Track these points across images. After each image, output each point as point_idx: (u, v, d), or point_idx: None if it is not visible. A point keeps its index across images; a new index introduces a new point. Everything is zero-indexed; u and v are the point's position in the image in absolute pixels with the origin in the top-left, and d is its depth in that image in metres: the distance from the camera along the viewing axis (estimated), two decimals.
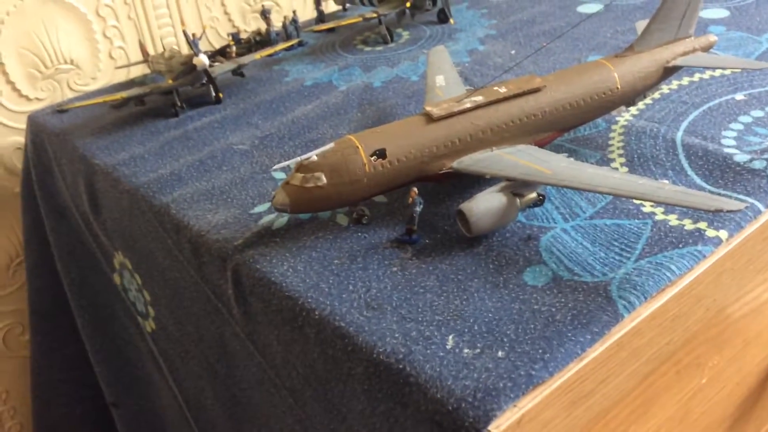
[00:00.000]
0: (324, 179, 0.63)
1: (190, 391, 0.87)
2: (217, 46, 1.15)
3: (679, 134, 0.76)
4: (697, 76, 0.88)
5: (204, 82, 0.95)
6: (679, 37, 0.75)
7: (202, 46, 1.10)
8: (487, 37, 1.08)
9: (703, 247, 0.60)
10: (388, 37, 1.11)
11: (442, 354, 0.52)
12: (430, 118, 0.67)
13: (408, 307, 0.57)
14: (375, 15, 1.09)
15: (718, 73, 0.88)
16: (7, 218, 1.15)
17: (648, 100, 0.84)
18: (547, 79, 0.71)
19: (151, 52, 1.14)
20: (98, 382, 1.07)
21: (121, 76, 1.16)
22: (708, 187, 0.68)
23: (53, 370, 1.13)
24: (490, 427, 0.47)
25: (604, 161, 0.74)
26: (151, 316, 0.87)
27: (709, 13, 1.06)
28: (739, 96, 0.83)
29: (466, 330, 0.54)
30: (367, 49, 1.10)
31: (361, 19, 1.09)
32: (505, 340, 0.53)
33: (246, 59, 0.99)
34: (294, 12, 1.17)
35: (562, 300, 0.56)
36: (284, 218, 0.70)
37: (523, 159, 0.65)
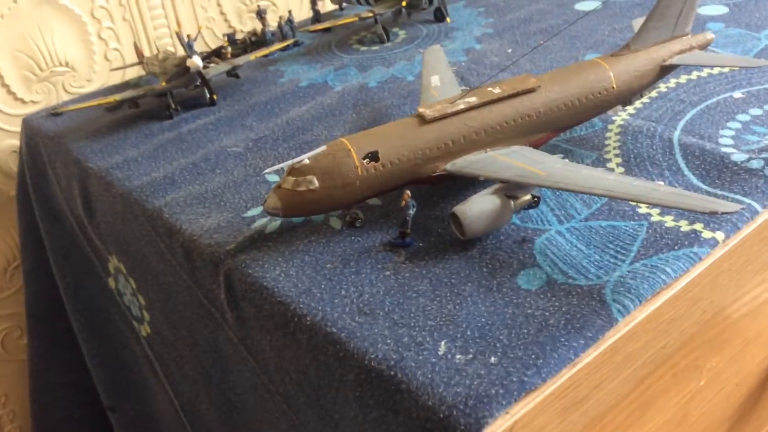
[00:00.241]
0: (316, 183, 0.63)
1: (186, 396, 0.86)
2: (214, 46, 1.15)
3: (677, 133, 0.75)
4: (695, 74, 0.87)
5: (198, 83, 0.94)
6: (676, 35, 0.75)
7: (198, 46, 1.10)
8: (484, 35, 1.07)
9: (699, 249, 0.59)
10: (385, 36, 1.10)
11: (434, 360, 0.52)
12: (423, 120, 0.66)
13: (400, 312, 0.57)
14: (371, 14, 1.08)
15: (716, 70, 0.87)
16: (3, 222, 1.14)
17: (645, 99, 0.83)
18: (542, 79, 0.70)
19: (147, 53, 1.14)
20: (96, 386, 1.07)
21: (117, 78, 1.15)
22: (705, 187, 0.67)
23: (51, 374, 1.13)
24: None
25: (600, 161, 0.73)
26: (146, 321, 0.87)
27: (707, 9, 1.05)
28: (738, 94, 0.82)
29: (459, 335, 0.54)
30: (363, 48, 1.09)
31: (357, 18, 1.09)
32: (498, 345, 0.52)
33: (240, 60, 0.99)
34: (289, 12, 1.16)
35: (556, 304, 0.55)
36: (277, 222, 0.69)
37: (517, 160, 0.64)
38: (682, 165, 0.70)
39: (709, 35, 0.77)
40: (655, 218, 0.63)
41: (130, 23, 1.17)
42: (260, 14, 1.13)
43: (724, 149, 0.72)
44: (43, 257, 1.04)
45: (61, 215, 0.97)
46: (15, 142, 1.09)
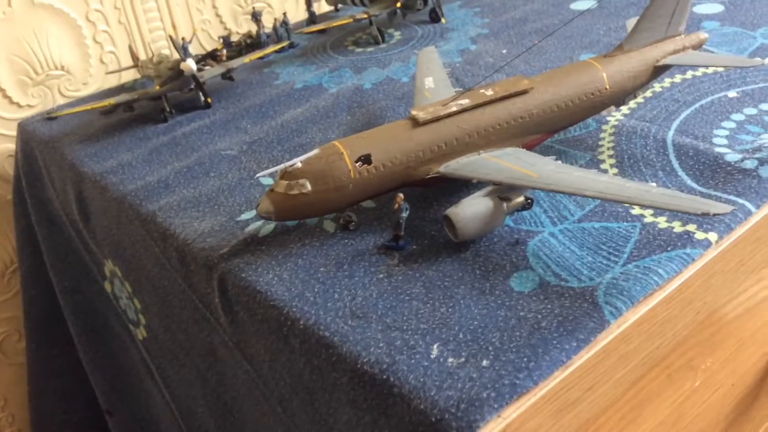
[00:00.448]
0: (308, 186, 0.63)
1: (182, 399, 0.86)
2: (210, 48, 1.15)
3: (670, 134, 0.75)
4: (689, 74, 0.87)
5: (192, 87, 0.94)
6: (669, 35, 0.74)
7: (194, 49, 1.10)
8: (479, 36, 1.07)
9: (692, 250, 0.59)
10: (380, 37, 1.10)
11: (426, 364, 0.52)
12: (416, 123, 0.66)
13: (393, 316, 0.57)
14: (366, 16, 1.08)
15: (711, 70, 0.87)
16: (1, 226, 1.15)
17: (640, 99, 0.83)
18: (535, 81, 0.70)
19: (142, 56, 1.14)
20: (93, 390, 1.07)
21: (113, 82, 1.16)
22: (698, 188, 0.67)
23: (49, 378, 1.13)
24: None
25: (594, 162, 0.73)
26: (142, 324, 0.87)
27: (703, 8, 1.05)
28: (732, 93, 0.82)
29: (451, 338, 0.54)
30: (358, 50, 1.09)
31: (351, 20, 1.09)
32: (490, 348, 0.52)
33: (235, 63, 0.99)
34: (284, 14, 1.16)
35: (549, 306, 0.55)
36: (271, 225, 0.69)
37: (510, 162, 0.64)
38: (676, 165, 0.70)
39: (703, 35, 0.76)
40: (648, 219, 0.63)
41: (126, 26, 1.17)
42: (255, 16, 1.13)
43: (717, 149, 0.71)
44: (39, 261, 1.04)
45: (56, 219, 0.97)
46: (11, 146, 1.09)
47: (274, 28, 1.14)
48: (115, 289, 0.90)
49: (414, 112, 0.67)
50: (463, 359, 0.52)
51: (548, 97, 0.69)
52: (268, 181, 0.77)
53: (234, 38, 1.14)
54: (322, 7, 1.28)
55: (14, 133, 1.05)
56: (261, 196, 0.70)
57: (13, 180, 1.06)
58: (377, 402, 0.52)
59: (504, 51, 1.01)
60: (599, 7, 1.10)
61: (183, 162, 0.84)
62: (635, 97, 0.78)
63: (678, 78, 0.86)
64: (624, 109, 0.81)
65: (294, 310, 0.59)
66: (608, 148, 0.75)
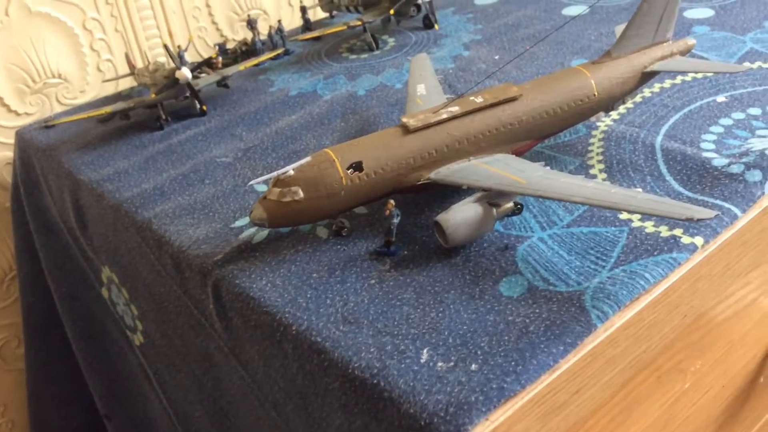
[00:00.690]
0: (301, 193, 0.64)
1: (179, 404, 0.87)
2: (206, 56, 1.16)
3: (659, 139, 0.76)
4: (679, 79, 0.88)
5: (188, 95, 0.95)
6: (657, 41, 0.75)
7: (190, 56, 1.11)
8: (472, 42, 1.08)
9: (678, 255, 0.60)
10: (374, 44, 1.11)
11: (416, 368, 0.53)
12: (406, 130, 0.67)
13: (384, 321, 0.58)
14: (360, 23, 1.09)
15: (700, 75, 0.88)
16: None
17: (629, 104, 0.84)
18: (524, 88, 0.71)
19: (139, 64, 1.15)
20: (92, 395, 1.08)
21: (110, 89, 1.17)
22: (686, 192, 0.68)
23: (48, 383, 1.14)
24: None
25: (584, 168, 0.74)
26: (139, 330, 0.88)
27: (693, 12, 1.06)
28: (721, 98, 0.83)
29: (441, 343, 0.55)
30: (353, 56, 1.10)
31: (345, 27, 1.10)
32: (479, 352, 0.53)
33: (230, 71, 1.00)
34: (279, 21, 1.17)
35: (537, 311, 0.56)
36: (264, 232, 0.70)
37: (499, 169, 0.65)
38: (664, 170, 0.71)
39: (690, 41, 0.77)
40: (636, 224, 0.64)
41: (122, 34, 1.18)
42: (251, 24, 1.14)
43: (705, 154, 0.72)
44: (38, 268, 1.05)
45: (54, 226, 0.98)
46: (9, 154, 1.10)
47: (269, 36, 1.15)
48: (113, 295, 0.91)
49: (404, 120, 0.68)
50: (452, 363, 0.53)
51: (537, 103, 0.70)
52: (263, 188, 0.78)
53: (230, 45, 1.15)
54: (317, 14, 1.30)
55: (12, 141, 1.06)
56: (255, 203, 0.71)
57: (11, 188, 1.07)
58: (368, 406, 0.53)
59: (496, 57, 1.02)
60: (591, 13, 1.11)
61: (178, 169, 0.85)
62: (624, 102, 0.79)
63: (667, 83, 0.87)
64: (613, 114, 0.82)
65: (287, 315, 0.60)
66: (597, 154, 0.76)
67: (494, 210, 0.63)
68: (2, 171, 1.12)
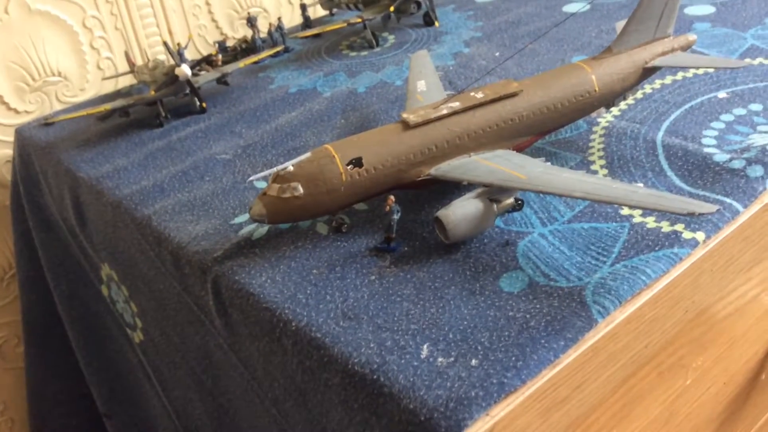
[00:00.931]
0: (300, 189, 0.63)
1: (179, 402, 0.87)
2: (206, 53, 1.15)
3: (660, 134, 0.76)
4: (680, 75, 0.88)
5: (187, 92, 0.95)
6: (658, 37, 0.75)
7: (190, 54, 1.11)
8: (473, 39, 1.08)
9: (680, 250, 0.59)
10: (374, 41, 1.11)
11: (416, 363, 0.52)
12: (406, 126, 0.67)
13: (384, 317, 0.57)
14: (360, 20, 1.09)
15: (701, 71, 0.88)
16: None
17: (630, 100, 0.83)
18: (524, 84, 0.70)
19: (139, 62, 1.15)
20: (92, 393, 1.08)
21: (110, 87, 1.16)
22: (687, 188, 0.67)
23: (48, 382, 1.14)
24: None
25: (584, 164, 0.74)
26: (139, 327, 0.88)
27: (695, 9, 1.06)
28: (722, 94, 0.83)
29: (441, 338, 0.54)
30: (353, 54, 1.10)
31: (345, 24, 1.09)
32: (479, 348, 0.53)
33: (229, 68, 1.00)
34: (279, 19, 1.17)
35: (537, 306, 0.56)
36: (264, 228, 0.70)
37: (500, 164, 0.65)
38: (665, 166, 0.71)
39: (691, 37, 0.77)
40: (637, 219, 0.64)
41: (122, 32, 1.18)
42: (251, 21, 1.14)
43: (706, 150, 0.72)
44: (37, 266, 1.05)
45: (54, 224, 0.98)
46: (9, 151, 1.10)
47: (269, 33, 1.15)
48: (112, 292, 0.91)
49: (405, 115, 0.67)
50: (452, 359, 0.52)
51: (537, 99, 0.70)
52: (263, 184, 0.78)
53: (230, 43, 1.14)
54: (317, 11, 1.29)
55: (12, 139, 1.06)
56: (254, 199, 0.71)
57: (10, 186, 1.07)
58: (368, 402, 0.53)
59: (497, 54, 1.02)
60: (591, 9, 1.11)
61: (178, 166, 0.85)
62: (625, 98, 0.78)
63: (668, 79, 0.87)
64: (615, 110, 0.82)
65: (286, 311, 0.60)
66: (598, 150, 0.75)
67: (495, 206, 0.63)
68: (2, 169, 1.12)
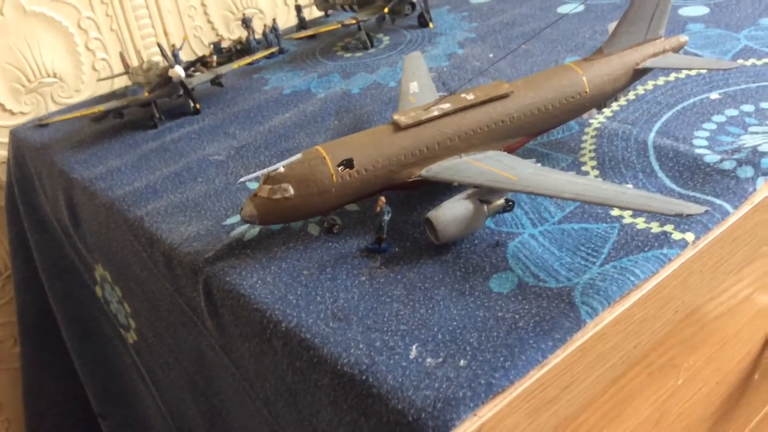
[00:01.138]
0: (291, 190, 0.63)
1: (173, 402, 0.87)
2: (201, 54, 1.16)
3: (651, 136, 0.76)
4: (672, 76, 0.88)
5: (181, 93, 0.95)
6: (649, 38, 0.75)
7: (185, 55, 1.11)
8: (467, 40, 1.08)
9: (669, 251, 0.60)
10: (368, 42, 1.11)
11: (404, 364, 0.53)
12: (397, 127, 0.67)
13: (374, 317, 0.58)
14: (354, 21, 1.09)
15: (694, 72, 0.88)
16: None
17: (623, 101, 0.84)
18: (515, 85, 0.71)
19: (134, 63, 1.15)
20: (87, 394, 1.08)
21: (105, 89, 1.17)
22: (677, 189, 0.67)
23: (43, 382, 1.14)
24: None
25: (576, 164, 0.74)
26: (133, 328, 0.88)
27: (688, 10, 1.06)
28: (714, 95, 0.83)
29: (430, 339, 0.55)
30: (347, 55, 1.10)
31: (340, 25, 1.10)
32: (468, 348, 0.53)
33: (223, 69, 1.00)
34: (274, 20, 1.17)
35: (526, 306, 0.56)
36: (256, 229, 0.70)
37: (491, 166, 0.65)
38: (656, 167, 0.71)
39: (683, 38, 0.77)
40: (627, 220, 0.64)
41: (117, 33, 1.18)
42: (246, 22, 1.14)
43: (697, 150, 0.72)
44: (32, 267, 1.05)
45: (48, 225, 0.98)
46: (4, 153, 1.10)
47: (264, 34, 1.15)
48: (106, 293, 0.91)
49: (396, 117, 0.67)
50: (441, 359, 0.53)
51: (528, 100, 0.70)
52: (255, 185, 0.78)
53: (225, 44, 1.15)
54: (312, 12, 1.30)
55: (7, 140, 1.06)
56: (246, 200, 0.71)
57: (5, 187, 1.07)
58: (357, 402, 0.53)
59: (491, 55, 1.02)
60: (585, 10, 1.11)
61: (171, 167, 0.85)
62: (617, 99, 0.79)
63: (661, 80, 0.87)
64: (607, 111, 0.82)
65: (277, 312, 0.60)
66: (590, 151, 0.75)
67: (485, 207, 0.63)
68: None
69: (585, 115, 0.77)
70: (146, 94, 0.94)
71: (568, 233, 0.64)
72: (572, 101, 0.72)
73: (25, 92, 1.11)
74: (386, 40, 1.14)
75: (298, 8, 1.22)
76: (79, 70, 1.16)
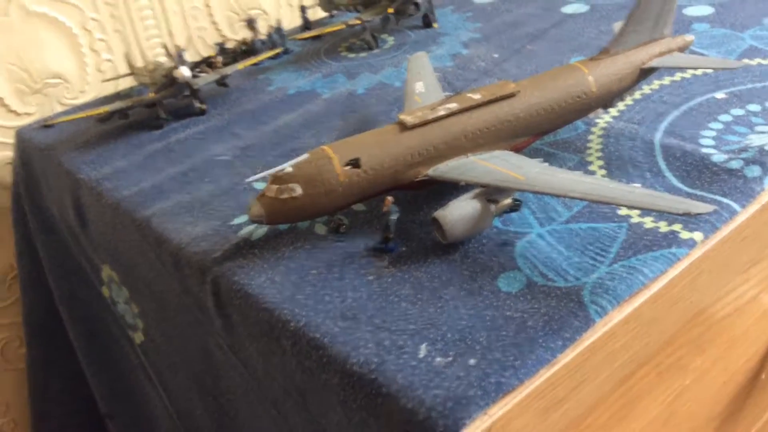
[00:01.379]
0: (299, 190, 0.63)
1: (180, 402, 0.87)
2: (206, 55, 1.16)
3: (658, 135, 0.76)
4: (678, 76, 0.88)
5: (187, 93, 0.95)
6: (655, 37, 0.75)
7: (189, 56, 1.11)
8: (471, 40, 1.08)
9: (677, 250, 0.60)
10: (373, 43, 1.11)
11: (414, 363, 0.53)
12: (404, 127, 0.67)
13: (382, 317, 0.58)
14: (358, 21, 1.09)
15: (699, 71, 0.88)
16: (1, 233, 1.16)
17: (629, 101, 0.84)
18: (521, 85, 0.71)
19: (139, 64, 1.15)
20: (93, 394, 1.08)
21: (110, 90, 1.17)
22: (685, 188, 0.67)
23: (49, 383, 1.14)
24: None
25: (582, 164, 0.74)
26: (140, 328, 0.88)
27: (693, 10, 1.06)
28: (720, 95, 0.83)
29: (439, 338, 0.55)
30: (352, 55, 1.10)
31: (344, 26, 1.10)
32: (477, 347, 0.53)
33: (229, 69, 1.00)
34: (278, 21, 1.17)
35: (535, 306, 0.56)
36: (263, 229, 0.70)
37: (498, 165, 0.65)
38: (663, 166, 0.71)
39: (689, 37, 0.77)
40: (635, 220, 0.64)
41: (122, 34, 1.18)
42: (250, 23, 1.14)
43: (704, 150, 0.72)
44: (38, 267, 1.05)
45: (54, 226, 0.98)
46: (9, 153, 1.10)
47: (269, 35, 1.15)
48: (113, 294, 0.91)
49: (402, 117, 0.68)
50: (450, 358, 0.52)
51: (535, 100, 0.70)
52: (262, 186, 0.78)
53: (229, 45, 1.15)
54: (317, 13, 1.30)
55: (12, 141, 1.06)
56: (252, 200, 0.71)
57: (11, 187, 1.07)
58: (366, 402, 0.53)
59: (496, 55, 1.02)
60: (590, 10, 1.11)
61: (177, 168, 0.85)
62: (623, 99, 0.79)
63: (667, 80, 0.87)
64: (613, 111, 0.82)
65: (285, 312, 0.60)
66: (596, 150, 0.75)
67: (492, 206, 0.63)
68: (3, 171, 1.12)
69: (591, 115, 0.77)
70: (152, 94, 0.94)
71: (576, 233, 0.64)
72: (579, 101, 0.72)
73: (30, 93, 1.11)
74: (391, 40, 1.14)
75: (303, 9, 1.22)
76: (83, 71, 1.16)
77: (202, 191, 0.79)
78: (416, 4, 1.12)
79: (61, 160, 0.92)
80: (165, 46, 0.93)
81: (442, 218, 0.61)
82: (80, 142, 0.95)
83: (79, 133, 0.98)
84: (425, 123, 0.67)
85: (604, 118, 0.81)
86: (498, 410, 0.49)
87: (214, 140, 0.90)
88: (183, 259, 0.70)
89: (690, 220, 0.62)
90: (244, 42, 1.13)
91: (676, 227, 0.62)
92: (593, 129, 0.79)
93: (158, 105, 0.95)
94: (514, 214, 0.67)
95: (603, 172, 0.72)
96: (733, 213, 0.64)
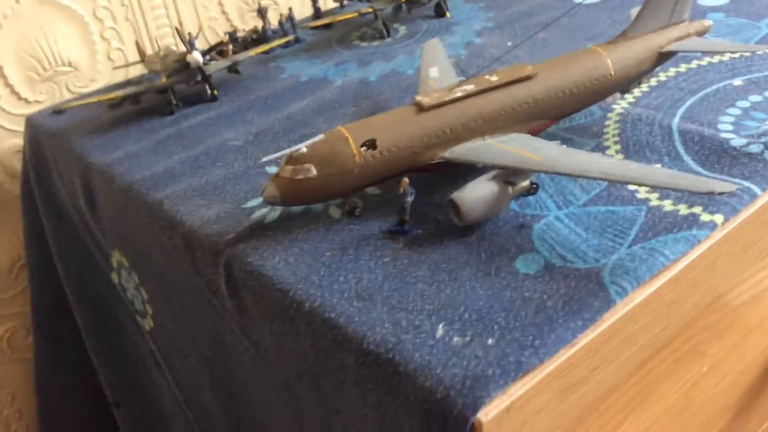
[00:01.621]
0: (314, 171, 0.63)
1: (190, 389, 0.86)
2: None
3: (676, 120, 0.75)
4: (694, 63, 0.87)
5: (199, 79, 0.95)
6: (673, 22, 0.74)
7: (199, 46, 1.10)
8: (484, 29, 1.08)
9: (698, 232, 0.59)
10: (385, 32, 1.10)
11: (431, 343, 0.52)
12: (420, 108, 0.66)
13: (398, 297, 0.57)
14: (371, 10, 1.09)
15: (716, 59, 0.87)
16: (9, 221, 1.15)
17: (645, 88, 0.83)
18: (539, 67, 0.70)
19: (149, 52, 1.14)
20: (101, 383, 1.07)
21: (120, 77, 1.16)
22: (704, 172, 0.67)
23: (56, 372, 1.14)
24: (478, 415, 0.46)
25: (599, 149, 0.73)
26: (149, 314, 0.87)
27: (708, 0, 1.05)
28: (737, 81, 0.82)
29: (457, 318, 0.54)
30: (364, 44, 1.09)
31: (356, 14, 1.09)
32: (496, 327, 0.52)
33: (241, 56, 0.99)
34: (290, 9, 1.16)
35: (554, 287, 0.55)
36: (276, 212, 0.70)
37: (515, 147, 0.65)
38: (681, 151, 0.70)
39: (707, 22, 0.77)
40: (654, 202, 0.63)
41: (133, 23, 1.18)
42: (261, 12, 1.14)
43: (723, 135, 0.71)
44: (47, 255, 1.05)
45: (64, 212, 0.98)
46: (19, 141, 1.10)
47: (280, 24, 1.15)
48: (122, 279, 0.90)
49: (419, 98, 0.67)
50: (468, 338, 0.52)
51: (553, 83, 0.69)
52: (274, 169, 0.78)
53: (240, 34, 1.14)
54: (327, 3, 1.29)
55: (22, 128, 1.06)
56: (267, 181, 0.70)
57: (21, 174, 1.07)
58: (382, 381, 0.52)
59: (509, 44, 1.01)
60: (603, 0, 1.10)
61: (189, 152, 0.84)
62: (640, 84, 0.78)
63: (683, 67, 0.86)
64: (629, 97, 0.81)
65: (299, 292, 0.59)
66: (613, 135, 0.75)
67: (510, 188, 0.62)
68: (12, 159, 1.12)
69: (608, 99, 0.76)
70: (164, 80, 0.93)
71: (594, 216, 0.63)
72: (597, 84, 0.71)
73: (40, 81, 1.11)
74: (403, 29, 1.13)
75: None
76: (94, 60, 1.15)
77: (214, 175, 0.79)
78: None
79: (72, 144, 0.91)
80: (177, 29, 0.93)
81: (460, 199, 0.60)
82: (91, 128, 0.95)
83: (90, 119, 0.97)
84: (442, 104, 0.66)
85: (620, 104, 0.80)
86: (517, 389, 0.48)
87: (226, 126, 0.90)
88: (195, 242, 0.70)
89: (710, 203, 0.61)
90: (254, 31, 1.12)
91: (697, 210, 0.61)
92: (609, 115, 0.78)
93: (170, 91, 0.94)
94: (530, 198, 0.66)
95: (620, 156, 0.71)
96: (753, 196, 0.63)
